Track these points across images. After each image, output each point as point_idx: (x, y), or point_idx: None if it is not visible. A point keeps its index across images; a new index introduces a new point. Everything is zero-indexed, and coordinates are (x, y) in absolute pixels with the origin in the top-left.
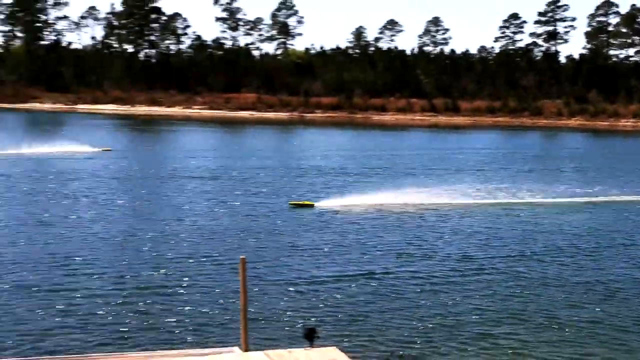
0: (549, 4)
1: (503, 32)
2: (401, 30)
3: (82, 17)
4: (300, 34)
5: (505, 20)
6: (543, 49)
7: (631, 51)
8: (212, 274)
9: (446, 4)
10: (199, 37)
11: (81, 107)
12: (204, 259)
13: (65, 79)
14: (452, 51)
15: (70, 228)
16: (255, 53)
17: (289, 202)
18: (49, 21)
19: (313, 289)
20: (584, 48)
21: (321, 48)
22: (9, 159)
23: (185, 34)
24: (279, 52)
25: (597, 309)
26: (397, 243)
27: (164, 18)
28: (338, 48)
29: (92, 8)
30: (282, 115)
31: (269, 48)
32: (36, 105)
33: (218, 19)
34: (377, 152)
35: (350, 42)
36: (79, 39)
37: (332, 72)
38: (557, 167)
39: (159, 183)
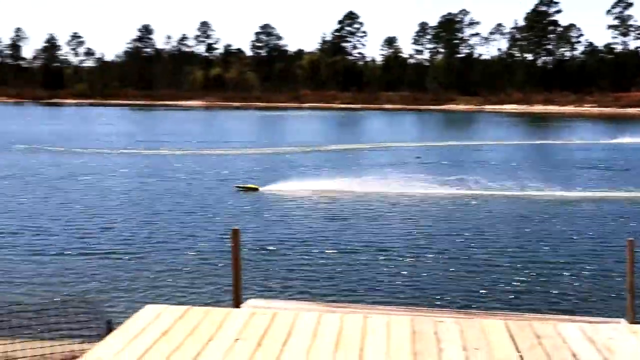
0: None
1: None
2: None
3: (491, 33)
4: None
5: None
6: None
7: None
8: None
9: None
10: (591, 44)
11: (488, 107)
12: (589, 241)
13: (476, 84)
14: None
15: None
16: None
17: None
18: (464, 38)
19: None
20: None
21: None
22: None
23: (579, 41)
24: None
25: None
26: None
27: (560, 29)
28: None
29: (499, 25)
30: None
31: None
32: (451, 107)
33: (610, 27)
34: None
35: None
36: (488, 51)
37: None
38: None
39: None
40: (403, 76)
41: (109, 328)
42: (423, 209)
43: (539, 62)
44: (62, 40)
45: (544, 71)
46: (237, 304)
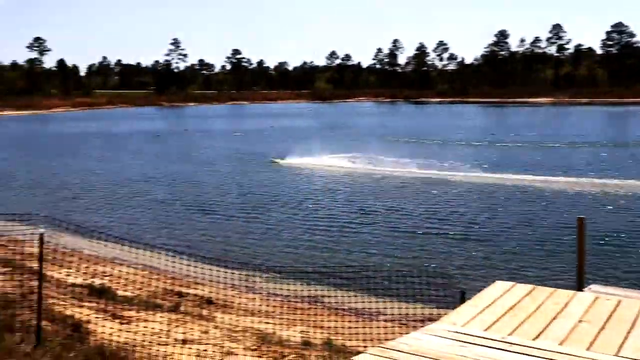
0: None
1: None
2: None
3: None
4: None
5: None
6: None
7: None
8: None
9: None
10: None
11: None
12: None
13: None
14: None
15: None
16: None
17: None
18: None
19: None
20: None
21: None
22: None
23: None
24: None
25: None
26: None
27: None
28: None
29: None
30: None
31: None
32: None
33: None
34: None
35: None
36: None
37: None
38: None
39: None
40: None
41: (462, 298)
42: None
43: None
44: (430, 47)
45: None
46: (579, 287)
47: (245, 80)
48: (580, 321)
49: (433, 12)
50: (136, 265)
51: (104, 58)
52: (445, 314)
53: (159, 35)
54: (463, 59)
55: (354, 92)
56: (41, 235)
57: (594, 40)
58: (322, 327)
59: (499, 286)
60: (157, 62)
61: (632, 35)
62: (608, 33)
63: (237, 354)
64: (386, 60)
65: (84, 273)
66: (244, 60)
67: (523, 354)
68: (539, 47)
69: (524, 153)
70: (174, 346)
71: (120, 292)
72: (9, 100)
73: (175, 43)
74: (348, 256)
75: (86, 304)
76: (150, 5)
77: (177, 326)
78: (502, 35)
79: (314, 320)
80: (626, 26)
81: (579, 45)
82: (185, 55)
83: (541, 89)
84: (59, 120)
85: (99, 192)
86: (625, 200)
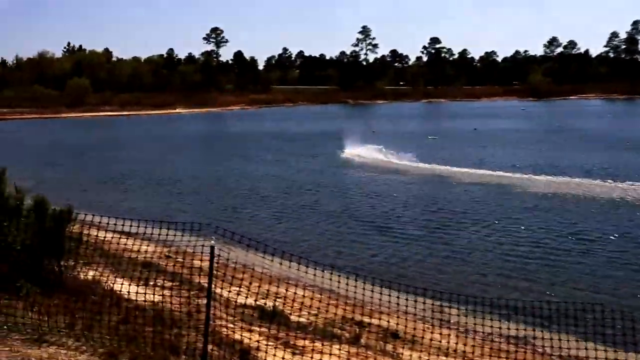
0: None
1: None
2: None
3: None
4: None
5: None
6: None
7: None
8: None
9: None
10: None
11: None
12: None
13: None
14: None
15: None
16: None
17: None
18: None
19: None
20: None
21: None
22: None
23: None
24: None
25: None
26: None
27: None
28: None
29: None
30: None
31: None
32: None
33: None
34: None
35: None
36: None
37: None
38: None
39: None
40: None
41: None
42: None
43: None
44: None
45: None
46: None
47: (444, 74)
48: None
49: None
50: (312, 287)
51: (285, 50)
52: None
53: (347, 23)
54: None
55: (580, 86)
56: (212, 248)
57: None
58: None
59: None
60: (342, 53)
61: None
62: None
63: None
64: (623, 47)
65: (254, 293)
66: (443, 50)
67: None
68: None
69: None
70: None
71: (293, 317)
72: (183, 97)
73: (365, 32)
74: (557, 289)
75: (256, 328)
76: None
77: None
78: None
79: None
80: None
81: None
82: (375, 46)
83: None
84: (233, 118)
85: (268, 201)
86: None
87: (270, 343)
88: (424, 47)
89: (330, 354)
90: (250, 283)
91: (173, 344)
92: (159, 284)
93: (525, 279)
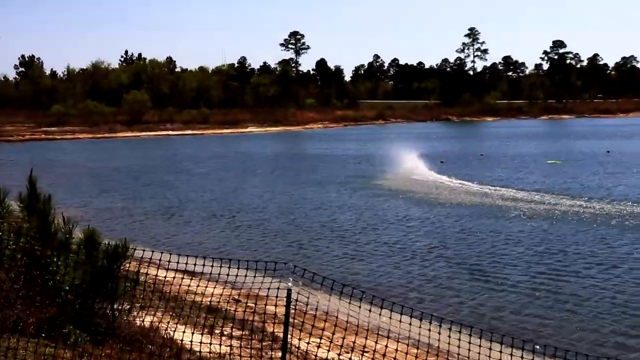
0: None
1: None
2: None
3: None
4: None
5: None
6: None
7: None
8: None
9: None
10: None
11: None
12: None
13: None
14: None
15: None
16: None
17: None
18: None
19: None
20: None
21: None
22: None
23: None
24: None
25: None
26: None
27: None
28: None
29: None
30: None
31: None
32: None
33: None
34: None
35: None
36: None
37: None
38: None
39: None
40: None
41: None
42: None
43: None
44: None
45: None
46: None
47: (570, 85)
48: None
49: None
50: (406, 339)
51: (376, 57)
52: None
53: (451, 25)
54: None
55: None
56: (289, 292)
57: None
58: None
59: None
60: (445, 61)
61: None
62: None
63: None
64: None
65: (337, 345)
66: (569, 55)
67: None
68: None
69: None
70: None
71: None
72: (256, 113)
73: (472, 34)
74: None
75: None
76: None
77: None
78: None
79: None
80: None
81: None
82: (484, 52)
83: None
84: (314, 138)
85: (347, 236)
86: None
87: None
88: (545, 53)
89: None
90: (333, 333)
91: None
92: (226, 332)
93: None
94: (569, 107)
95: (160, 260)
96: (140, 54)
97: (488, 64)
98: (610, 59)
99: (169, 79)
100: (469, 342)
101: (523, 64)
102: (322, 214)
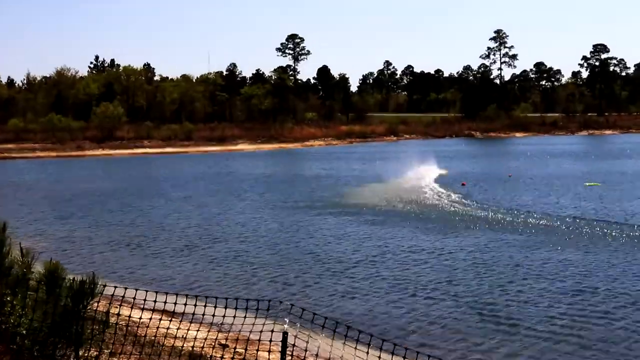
0: None
1: None
2: None
3: None
4: None
5: None
6: None
7: None
8: None
9: None
10: None
11: None
12: None
13: None
14: None
15: None
16: None
17: None
18: None
19: None
20: None
21: None
22: None
23: None
24: None
25: None
26: None
27: None
28: None
29: None
30: None
31: None
32: None
33: None
34: None
35: None
36: None
37: None
38: None
39: None
40: None
41: None
42: None
43: None
44: None
45: None
46: None
47: (613, 96)
48: None
49: None
50: None
51: (387, 64)
52: None
53: (475, 28)
54: None
55: None
56: (285, 335)
57: None
58: None
59: None
60: (467, 68)
61: None
62: None
63: None
64: None
65: None
66: (613, 61)
67: None
68: None
69: None
70: None
71: None
72: (247, 128)
73: (499, 38)
74: None
75: None
76: None
77: None
78: None
79: None
80: None
81: None
82: (513, 57)
83: None
84: (313, 157)
85: (347, 270)
86: None
87: None
88: (584, 59)
89: None
90: None
91: None
92: None
93: None
94: (612, 121)
95: (134, 298)
96: (113, 60)
97: (517, 71)
98: None
99: (146, 89)
100: None
101: (558, 71)
102: (317, 243)
